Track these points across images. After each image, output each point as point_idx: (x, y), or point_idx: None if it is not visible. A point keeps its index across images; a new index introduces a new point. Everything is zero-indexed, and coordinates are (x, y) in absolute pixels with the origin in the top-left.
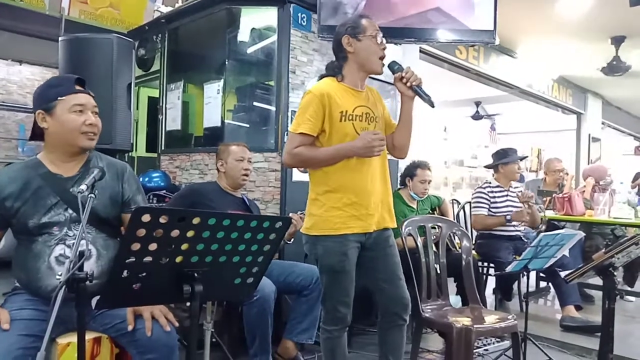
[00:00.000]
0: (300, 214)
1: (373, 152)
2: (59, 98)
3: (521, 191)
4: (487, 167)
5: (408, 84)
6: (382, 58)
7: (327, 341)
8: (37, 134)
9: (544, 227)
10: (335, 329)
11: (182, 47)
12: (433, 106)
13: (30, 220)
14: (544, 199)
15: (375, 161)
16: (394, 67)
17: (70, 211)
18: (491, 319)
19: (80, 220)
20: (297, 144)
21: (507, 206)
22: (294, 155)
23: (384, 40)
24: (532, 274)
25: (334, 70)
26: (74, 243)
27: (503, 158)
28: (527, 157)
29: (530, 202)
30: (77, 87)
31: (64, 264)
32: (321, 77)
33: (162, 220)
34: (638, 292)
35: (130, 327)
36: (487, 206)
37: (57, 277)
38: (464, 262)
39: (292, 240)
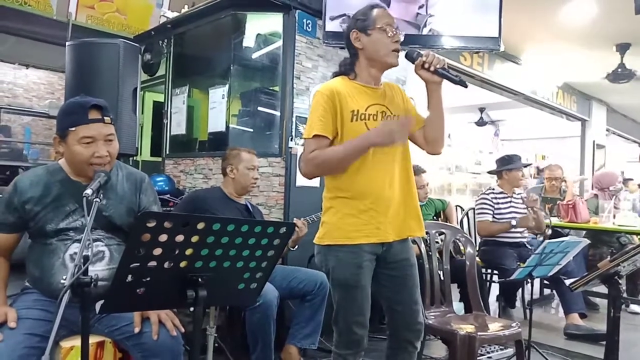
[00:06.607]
0: (304, 220)
1: (393, 137)
2: (69, 129)
3: (526, 195)
4: (491, 172)
5: (432, 69)
6: (396, 51)
7: None
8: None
9: (550, 232)
10: (349, 354)
11: (188, 52)
12: (466, 86)
13: (48, 225)
14: (547, 205)
15: (394, 163)
16: (412, 55)
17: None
18: (495, 327)
19: (96, 227)
20: (312, 149)
21: (510, 212)
22: (309, 160)
23: (399, 31)
24: (536, 281)
25: (345, 68)
26: (88, 244)
27: (507, 164)
28: (530, 164)
29: (536, 207)
30: (91, 116)
31: None
32: (334, 75)
33: (167, 225)
34: None
35: (137, 330)
36: (492, 212)
37: (62, 280)
38: (467, 269)
39: (297, 247)
